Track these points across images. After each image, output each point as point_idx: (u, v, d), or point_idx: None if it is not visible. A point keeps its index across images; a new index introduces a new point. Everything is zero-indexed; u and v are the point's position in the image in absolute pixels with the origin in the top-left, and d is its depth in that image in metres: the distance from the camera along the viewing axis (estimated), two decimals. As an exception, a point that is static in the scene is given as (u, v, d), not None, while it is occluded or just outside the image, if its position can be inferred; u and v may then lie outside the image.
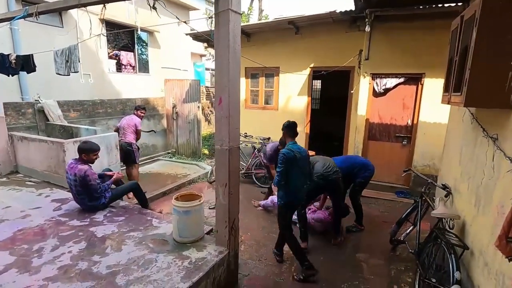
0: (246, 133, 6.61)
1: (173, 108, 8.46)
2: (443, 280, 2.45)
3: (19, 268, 2.33)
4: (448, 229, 2.56)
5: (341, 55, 5.83)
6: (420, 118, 5.34)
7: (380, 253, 3.64)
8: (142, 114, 5.29)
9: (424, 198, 3.36)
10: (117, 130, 5.23)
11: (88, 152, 3.33)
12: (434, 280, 2.49)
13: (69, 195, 3.96)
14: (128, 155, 5.10)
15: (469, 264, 2.32)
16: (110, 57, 8.61)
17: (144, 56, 9.81)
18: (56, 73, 4.28)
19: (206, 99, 12.69)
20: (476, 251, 2.21)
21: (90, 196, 3.33)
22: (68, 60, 3.99)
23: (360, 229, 4.17)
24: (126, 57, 9.21)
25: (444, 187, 3.06)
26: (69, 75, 4.21)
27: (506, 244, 1.59)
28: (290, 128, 3.12)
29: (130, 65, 9.38)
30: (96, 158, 3.43)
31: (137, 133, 5.19)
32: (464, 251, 2.34)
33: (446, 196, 2.97)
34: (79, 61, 3.99)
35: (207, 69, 18.06)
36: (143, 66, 9.75)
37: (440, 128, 5.18)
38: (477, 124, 2.40)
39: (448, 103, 2.45)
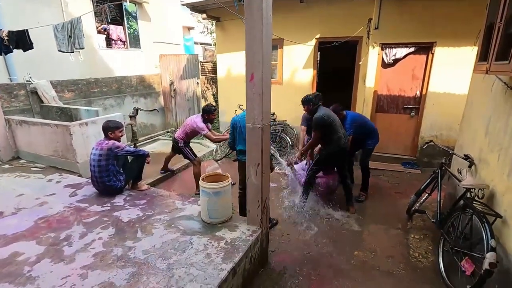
0: (249, 109, 6.46)
1: (170, 85, 8.14)
2: (471, 248, 2.54)
3: (52, 258, 2.26)
4: (477, 199, 2.61)
5: (349, 25, 5.61)
6: (430, 89, 5.30)
7: (397, 223, 3.74)
8: (212, 118, 4.56)
9: (444, 168, 3.41)
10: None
11: (113, 129, 3.34)
12: (462, 248, 2.58)
13: (81, 180, 3.83)
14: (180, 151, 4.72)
15: (500, 232, 2.38)
16: (99, 32, 8.04)
17: (134, 30, 9.22)
18: (58, 50, 3.94)
19: (202, 75, 12.29)
20: (510, 219, 2.26)
21: (111, 173, 3.29)
22: (71, 36, 3.66)
23: (366, 196, 4.28)
24: (116, 31, 8.63)
25: (467, 157, 3.08)
26: (72, 52, 3.89)
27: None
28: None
29: (121, 40, 8.83)
30: (122, 135, 3.45)
31: (209, 138, 4.53)
32: (496, 219, 2.42)
33: (469, 166, 2.99)
34: (83, 36, 3.66)
35: (195, 43, 17.30)
36: (134, 41, 9.20)
37: (450, 98, 5.18)
38: (512, 94, 2.37)
39: (487, 73, 2.38)
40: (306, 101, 3.66)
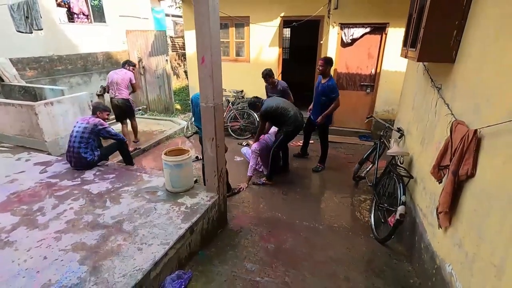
0: (219, 87, 6.65)
1: (139, 62, 8.05)
2: (393, 205, 3.09)
3: (27, 226, 2.52)
4: (399, 164, 3.12)
5: (311, 4, 5.81)
6: (383, 67, 5.75)
7: (346, 188, 4.28)
8: (133, 71, 5.31)
9: (382, 140, 3.91)
10: (104, 89, 5.15)
11: (102, 110, 3.74)
12: (386, 205, 3.12)
13: (51, 157, 3.99)
14: (126, 111, 5.24)
15: (413, 190, 2.92)
16: (58, 5, 7.66)
17: (98, 2, 8.81)
18: (17, 31, 3.88)
19: (172, 51, 12.05)
20: (419, 179, 2.79)
21: (89, 146, 3.55)
22: (28, 16, 3.62)
23: (323, 167, 4.78)
24: (77, 3, 8.23)
25: (399, 130, 3.59)
26: (31, 32, 3.86)
27: (438, 171, 2.09)
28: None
29: (83, 14, 8.45)
30: (107, 118, 3.82)
31: (134, 87, 5.30)
32: (410, 180, 2.95)
33: (399, 137, 3.50)
34: (40, 17, 3.64)
35: (167, 15, 16.60)
36: (98, 15, 8.83)
37: (399, 77, 5.63)
38: (428, 75, 2.80)
39: (406, 57, 2.79)
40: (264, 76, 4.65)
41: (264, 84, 5.03)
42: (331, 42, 5.84)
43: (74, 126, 3.61)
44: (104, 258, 2.13)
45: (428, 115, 2.65)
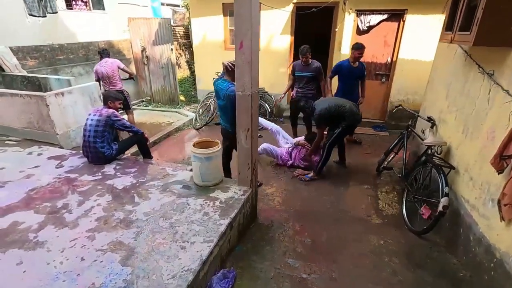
0: (227, 77, 6.44)
1: (142, 51, 7.76)
2: (429, 196, 3.01)
3: (55, 224, 2.36)
4: (436, 155, 3.02)
5: (326, -11, 5.61)
6: (400, 55, 5.62)
7: (369, 179, 4.19)
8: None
9: (409, 129, 3.81)
10: (98, 80, 4.87)
11: (113, 99, 3.52)
12: (420, 196, 3.04)
13: (64, 151, 3.78)
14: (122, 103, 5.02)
15: (454, 181, 2.83)
16: (56, -10, 7.25)
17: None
18: (30, 15, 3.61)
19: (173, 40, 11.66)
20: (461, 169, 2.70)
21: (105, 139, 3.36)
22: None
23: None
24: (75, -11, 7.82)
25: (429, 119, 3.48)
26: (45, 16, 3.59)
27: (499, 161, 1.99)
28: None
29: (82, 0, 8.04)
30: (120, 107, 3.67)
31: (127, 72, 5.21)
32: (450, 171, 2.86)
33: (431, 127, 3.40)
34: None
35: (162, 4, 16.09)
36: (97, 1, 8.41)
37: (417, 65, 5.56)
38: (471, 61, 2.68)
39: (451, 42, 2.65)
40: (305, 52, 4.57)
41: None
42: (346, 30, 5.67)
43: (87, 119, 3.40)
44: (147, 258, 1.99)
45: (475, 103, 2.54)
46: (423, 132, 3.39)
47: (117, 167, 3.35)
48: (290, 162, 4.35)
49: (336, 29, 5.84)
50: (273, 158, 4.47)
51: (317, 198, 3.72)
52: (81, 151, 3.53)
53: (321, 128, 3.87)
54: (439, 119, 3.38)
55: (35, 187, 2.91)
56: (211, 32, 6.78)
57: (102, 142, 3.34)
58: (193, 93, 9.53)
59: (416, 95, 5.79)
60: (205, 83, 7.24)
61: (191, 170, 3.49)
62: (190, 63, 10.97)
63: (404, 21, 5.39)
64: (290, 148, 4.39)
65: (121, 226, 2.32)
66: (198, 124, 6.46)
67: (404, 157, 3.70)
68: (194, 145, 2.91)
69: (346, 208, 3.50)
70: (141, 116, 7.14)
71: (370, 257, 2.64)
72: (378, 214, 3.38)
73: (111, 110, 3.44)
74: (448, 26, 2.80)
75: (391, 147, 4.00)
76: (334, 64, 6.26)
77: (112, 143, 3.45)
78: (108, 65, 4.87)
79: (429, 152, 3.12)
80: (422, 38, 5.34)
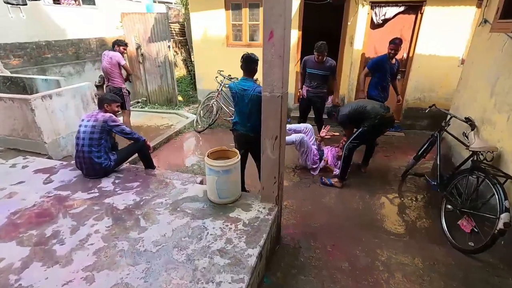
0: (230, 75, 5.99)
1: (137, 49, 7.23)
2: (477, 208, 2.63)
3: (42, 261, 1.89)
4: (486, 162, 2.65)
5: (338, -20, 5.21)
6: (416, 51, 5.26)
7: (395, 185, 3.83)
8: (124, 51, 4.60)
9: (441, 131, 3.43)
10: (103, 78, 4.52)
11: (109, 102, 3.06)
12: (466, 209, 2.67)
13: (53, 162, 3.29)
14: None
15: (509, 192, 2.45)
16: (41, -17, 6.67)
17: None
18: (5, 2, 3.09)
19: (168, 37, 11.11)
20: (523, 180, 2.32)
21: (102, 148, 2.90)
22: None
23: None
24: (62, -17, 7.25)
25: (468, 120, 3.10)
26: (25, 4, 3.09)
27: None
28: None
29: (70, -5, 7.48)
30: (118, 111, 3.16)
31: (126, 70, 4.65)
32: (506, 181, 2.48)
33: (472, 129, 3.02)
34: None
35: (154, 1, 15.51)
36: (87, -4, 7.87)
37: (436, 61, 5.20)
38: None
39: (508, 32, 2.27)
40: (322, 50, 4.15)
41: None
42: (359, 23, 5.28)
43: (80, 125, 2.92)
44: (163, 308, 1.55)
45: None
46: (465, 135, 3.00)
47: (116, 181, 2.88)
48: (322, 164, 4.07)
49: (349, 23, 5.44)
50: (300, 157, 4.10)
51: (343, 209, 3.34)
52: (73, 162, 3.06)
53: (348, 129, 3.81)
54: (481, 120, 3.01)
55: (18, 209, 2.43)
56: (212, 27, 6.30)
57: (99, 152, 2.87)
58: (190, 92, 9.05)
59: (433, 93, 5.45)
60: (206, 82, 6.77)
61: (201, 182, 3.07)
62: (187, 61, 10.47)
63: (422, 14, 5.02)
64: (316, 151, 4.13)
65: (126, 262, 1.87)
66: (199, 126, 6.00)
67: (438, 162, 3.32)
68: (208, 156, 2.47)
69: (377, 221, 3.11)
70: (137, 118, 6.62)
71: (424, 285, 2.25)
72: (413, 227, 3.01)
73: (108, 114, 2.96)
74: (503, 14, 2.41)
75: (421, 151, 3.62)
76: (345, 60, 5.90)
77: (110, 152, 2.99)
78: (106, 59, 4.43)
79: (475, 158, 2.74)
80: (442, 31, 4.98)
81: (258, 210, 2.40)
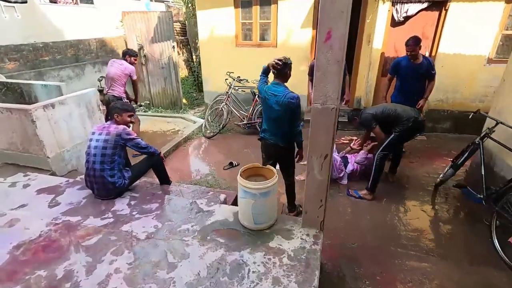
0: (239, 76, 5.67)
1: (139, 49, 6.85)
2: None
3: (55, 313, 1.55)
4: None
5: (356, -25, 4.89)
6: (440, 49, 4.97)
7: (427, 198, 3.55)
8: (135, 62, 4.36)
9: (485, 139, 3.15)
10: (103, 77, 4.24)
11: (120, 111, 2.69)
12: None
13: (58, 180, 2.93)
14: None
15: None
16: (36, -19, 6.25)
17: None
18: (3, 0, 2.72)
19: (169, 37, 10.72)
20: None
21: (115, 165, 2.58)
22: None
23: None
24: (58, -20, 6.84)
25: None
26: (26, 2, 2.71)
27: None
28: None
29: (67, -7, 7.07)
30: (131, 121, 2.78)
31: (134, 85, 4.52)
32: None
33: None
34: None
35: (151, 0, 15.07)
36: (84, -6, 7.46)
37: (460, 60, 4.92)
38: None
39: None
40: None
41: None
42: (379, 21, 4.98)
43: (91, 140, 2.57)
44: None
45: None
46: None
47: (132, 203, 2.54)
48: (350, 169, 3.83)
49: (368, 20, 5.13)
50: None
51: (378, 225, 3.04)
52: (79, 178, 2.72)
53: (373, 128, 3.45)
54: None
55: (22, 242, 2.08)
56: (220, 26, 5.96)
57: (112, 170, 2.52)
58: (194, 94, 8.71)
59: (457, 94, 5.18)
60: (214, 84, 6.43)
61: (224, 200, 2.75)
62: (189, 63, 10.10)
63: (446, 10, 4.73)
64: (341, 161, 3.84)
65: (158, 313, 1.54)
66: (208, 131, 5.66)
67: (483, 173, 3.03)
68: (241, 175, 2.14)
69: (419, 240, 2.82)
70: (142, 123, 6.23)
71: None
72: (462, 247, 2.73)
73: (121, 127, 2.61)
74: None
75: (462, 160, 3.32)
76: (362, 60, 5.60)
77: (124, 169, 2.64)
78: (119, 68, 4.19)
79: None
80: (467, 29, 4.70)
81: (302, 238, 2.08)
